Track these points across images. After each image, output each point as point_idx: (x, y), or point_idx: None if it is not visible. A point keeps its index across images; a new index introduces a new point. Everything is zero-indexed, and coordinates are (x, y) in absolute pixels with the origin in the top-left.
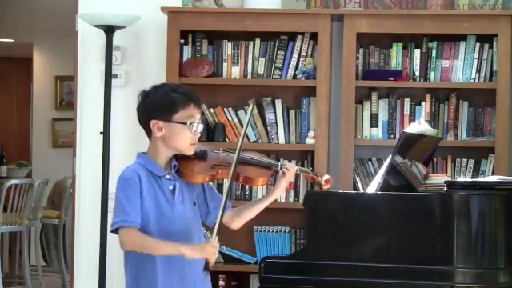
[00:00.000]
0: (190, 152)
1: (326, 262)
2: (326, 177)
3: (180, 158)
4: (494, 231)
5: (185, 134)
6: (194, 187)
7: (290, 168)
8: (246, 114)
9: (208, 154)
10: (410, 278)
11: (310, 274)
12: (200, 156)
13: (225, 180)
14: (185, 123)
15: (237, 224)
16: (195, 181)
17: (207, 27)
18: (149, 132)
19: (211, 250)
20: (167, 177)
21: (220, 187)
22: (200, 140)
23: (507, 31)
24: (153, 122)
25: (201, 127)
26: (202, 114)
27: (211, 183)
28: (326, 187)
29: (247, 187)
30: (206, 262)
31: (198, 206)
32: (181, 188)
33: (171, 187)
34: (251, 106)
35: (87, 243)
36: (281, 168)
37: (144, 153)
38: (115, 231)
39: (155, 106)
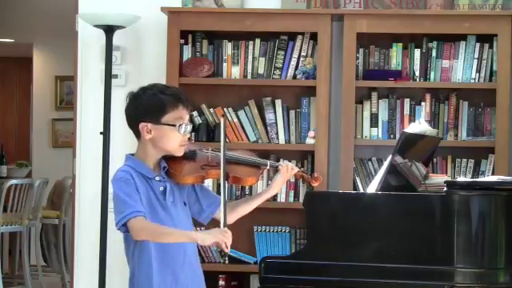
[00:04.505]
0: (179, 153)
1: (326, 261)
2: (315, 174)
3: (169, 158)
4: (494, 231)
5: (174, 136)
6: (184, 187)
7: (285, 166)
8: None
9: (197, 155)
10: (410, 278)
11: (310, 274)
12: (189, 157)
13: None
14: (174, 125)
15: (231, 218)
16: (185, 182)
17: (207, 27)
18: (137, 134)
19: (221, 235)
20: (157, 178)
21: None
22: (200, 140)
23: (507, 31)
24: (142, 125)
25: (190, 128)
26: (201, 113)
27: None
28: (315, 184)
29: (247, 187)
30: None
31: (189, 205)
32: (171, 189)
33: (162, 188)
34: (222, 121)
35: (87, 243)
36: (277, 166)
37: (132, 154)
38: (122, 227)
39: (144, 109)
